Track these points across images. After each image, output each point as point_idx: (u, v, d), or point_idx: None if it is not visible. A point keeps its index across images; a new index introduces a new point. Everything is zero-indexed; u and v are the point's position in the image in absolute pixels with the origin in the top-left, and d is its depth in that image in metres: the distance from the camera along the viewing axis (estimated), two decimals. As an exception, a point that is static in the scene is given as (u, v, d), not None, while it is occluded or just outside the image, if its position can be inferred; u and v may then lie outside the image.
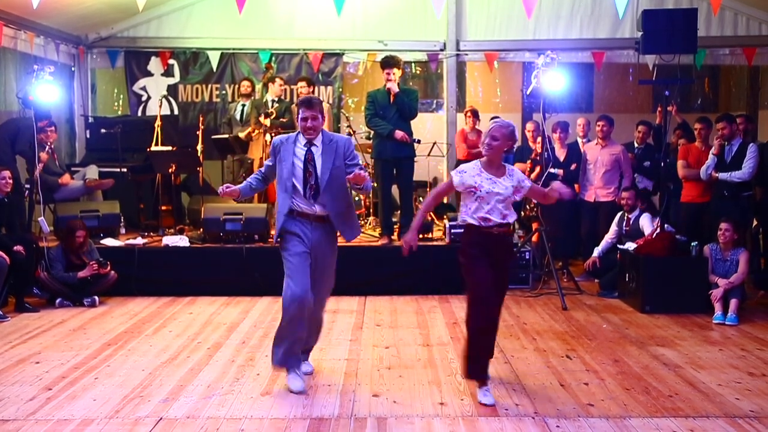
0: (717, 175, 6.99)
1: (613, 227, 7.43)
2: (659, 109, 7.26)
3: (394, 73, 7.19)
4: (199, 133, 8.61)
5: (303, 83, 8.58)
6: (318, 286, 4.43)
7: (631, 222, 7.29)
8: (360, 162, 4.48)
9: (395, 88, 7.18)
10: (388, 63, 7.25)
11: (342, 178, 4.36)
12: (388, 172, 7.38)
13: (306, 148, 4.34)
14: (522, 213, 8.01)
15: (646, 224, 7.09)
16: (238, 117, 8.96)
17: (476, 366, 4.24)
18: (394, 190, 7.69)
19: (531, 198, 4.20)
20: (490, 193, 4.12)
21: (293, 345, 4.38)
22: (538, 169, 7.61)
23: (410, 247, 4.20)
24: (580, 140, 8.35)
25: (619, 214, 7.45)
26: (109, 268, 6.80)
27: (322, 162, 4.32)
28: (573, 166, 7.87)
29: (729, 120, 7.08)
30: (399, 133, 7.17)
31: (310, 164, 4.31)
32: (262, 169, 4.62)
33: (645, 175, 8.27)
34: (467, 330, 4.27)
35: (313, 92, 8.72)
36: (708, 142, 7.27)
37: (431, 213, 8.76)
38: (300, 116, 4.31)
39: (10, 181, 6.71)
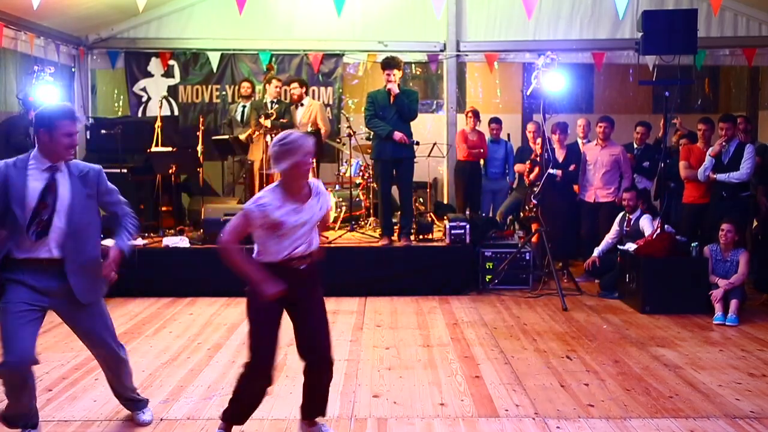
0: (715, 176, 7.00)
1: (615, 227, 7.43)
2: (662, 122, 7.28)
3: (394, 74, 7.20)
4: (200, 133, 8.62)
5: (295, 84, 8.57)
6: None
7: (632, 222, 7.30)
8: (120, 199, 3.58)
9: (395, 89, 7.19)
10: (389, 64, 7.26)
11: (93, 219, 3.47)
12: (387, 172, 7.38)
13: (49, 174, 3.33)
14: (521, 213, 8.00)
15: (647, 225, 7.10)
16: (238, 118, 8.98)
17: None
18: (394, 190, 7.69)
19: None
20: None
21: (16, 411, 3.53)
22: (537, 169, 7.62)
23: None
24: (580, 141, 8.36)
25: (620, 215, 7.45)
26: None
27: (70, 193, 3.36)
28: (572, 167, 7.87)
29: (733, 121, 7.12)
30: (398, 135, 7.17)
31: (50, 194, 3.31)
32: None
33: (644, 175, 8.28)
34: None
35: (306, 92, 8.72)
36: (710, 143, 7.27)
37: (432, 214, 8.78)
38: (62, 131, 3.31)
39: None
